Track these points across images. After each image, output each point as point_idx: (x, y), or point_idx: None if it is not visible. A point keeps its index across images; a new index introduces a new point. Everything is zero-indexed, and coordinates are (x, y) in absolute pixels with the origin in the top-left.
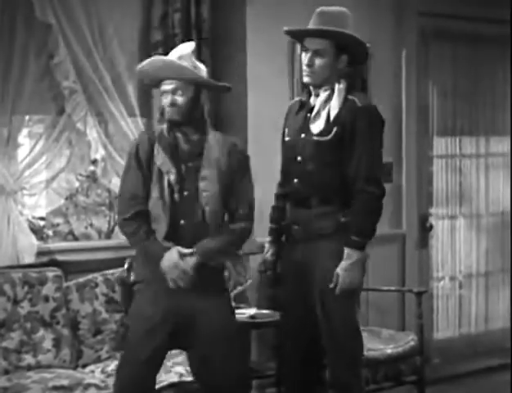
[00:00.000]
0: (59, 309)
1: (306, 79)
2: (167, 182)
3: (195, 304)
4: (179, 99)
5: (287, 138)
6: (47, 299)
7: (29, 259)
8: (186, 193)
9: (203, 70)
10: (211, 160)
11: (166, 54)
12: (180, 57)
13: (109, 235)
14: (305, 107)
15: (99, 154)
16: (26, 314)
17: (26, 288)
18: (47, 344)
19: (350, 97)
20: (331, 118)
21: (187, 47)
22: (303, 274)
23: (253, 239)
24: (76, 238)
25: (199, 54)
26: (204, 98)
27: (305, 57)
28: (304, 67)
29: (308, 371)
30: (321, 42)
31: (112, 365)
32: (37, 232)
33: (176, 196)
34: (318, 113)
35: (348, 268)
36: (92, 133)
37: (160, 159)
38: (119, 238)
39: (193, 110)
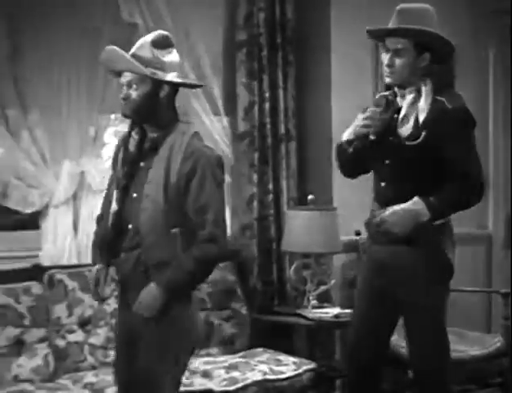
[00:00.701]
0: None
1: (387, 80)
2: (116, 183)
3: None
4: (133, 93)
5: (372, 137)
6: None
7: None
8: (134, 195)
9: (168, 61)
10: (163, 161)
11: (250, 54)
12: (139, 47)
13: None
14: (391, 107)
15: None
16: (112, 311)
17: (112, 286)
18: None
19: (439, 97)
20: (420, 121)
21: (150, 36)
22: (385, 276)
23: (338, 238)
24: None
25: (284, 53)
26: (167, 93)
27: (385, 57)
28: (385, 68)
29: (375, 376)
30: (400, 42)
31: (196, 363)
32: None
33: (126, 198)
34: (406, 116)
35: (405, 208)
36: None
37: (119, 159)
38: None
39: (150, 107)
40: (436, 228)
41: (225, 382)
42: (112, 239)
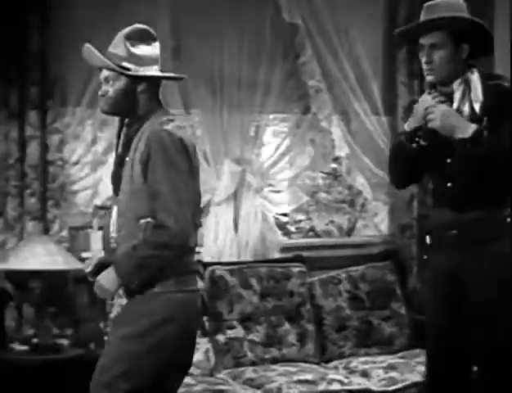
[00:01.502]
0: (303, 305)
1: (428, 78)
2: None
3: None
4: (110, 90)
5: (422, 142)
6: (291, 294)
7: (274, 254)
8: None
9: (144, 55)
10: (132, 152)
11: (411, 53)
12: (114, 43)
13: (349, 232)
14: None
15: (343, 152)
16: (272, 308)
17: (272, 283)
18: (292, 338)
19: (491, 82)
20: (477, 110)
21: (125, 30)
22: (456, 284)
23: None
24: (317, 235)
25: None
26: (146, 87)
27: (422, 56)
28: (424, 66)
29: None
30: (434, 35)
31: (354, 362)
32: (281, 228)
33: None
34: (458, 110)
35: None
36: (336, 132)
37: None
38: (360, 235)
39: (127, 102)
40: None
41: (384, 382)
42: None
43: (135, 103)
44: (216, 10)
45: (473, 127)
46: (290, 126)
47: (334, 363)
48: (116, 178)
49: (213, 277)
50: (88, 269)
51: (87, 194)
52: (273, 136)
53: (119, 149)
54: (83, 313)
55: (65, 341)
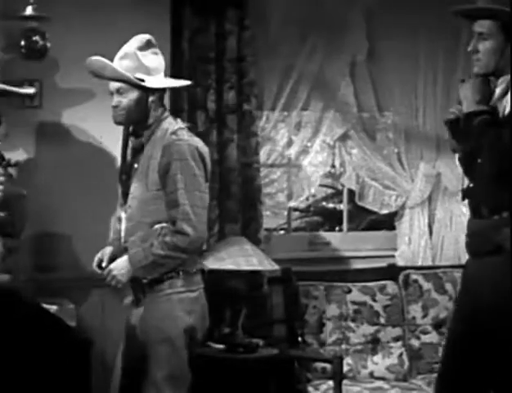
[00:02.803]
0: None
1: (474, 69)
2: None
3: None
4: (123, 100)
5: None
6: None
7: None
8: (131, 195)
9: (153, 65)
10: (146, 159)
11: None
12: (124, 56)
13: None
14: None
15: None
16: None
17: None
18: None
19: None
20: (505, 114)
21: (133, 44)
22: (471, 295)
23: None
24: None
25: None
26: (156, 96)
27: (471, 44)
28: (472, 56)
29: None
30: (484, 25)
31: None
32: None
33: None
34: (494, 107)
35: None
36: None
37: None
38: None
39: (140, 111)
40: None
41: None
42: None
43: (146, 112)
44: (400, 9)
45: None
46: None
47: None
48: (125, 186)
49: (408, 281)
50: (104, 264)
51: (281, 196)
52: None
53: (128, 157)
54: (277, 314)
55: (259, 341)
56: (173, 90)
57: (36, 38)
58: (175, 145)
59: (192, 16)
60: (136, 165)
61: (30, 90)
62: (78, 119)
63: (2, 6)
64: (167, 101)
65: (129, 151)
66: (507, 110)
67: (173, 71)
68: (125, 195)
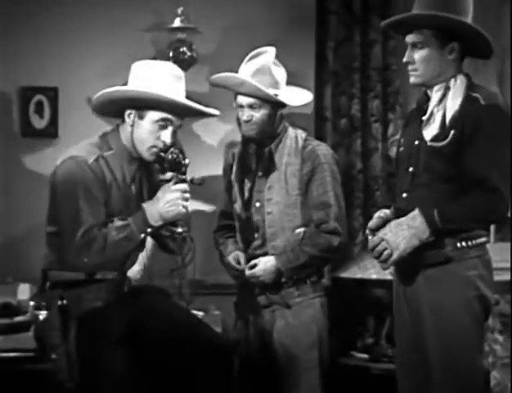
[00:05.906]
0: None
1: (411, 79)
2: (238, 193)
3: None
4: (256, 115)
5: (401, 149)
6: None
7: None
8: (257, 205)
9: (280, 79)
10: (281, 166)
11: None
12: (257, 71)
13: None
14: (420, 111)
15: None
16: None
17: None
18: None
19: (473, 94)
20: (447, 120)
21: (267, 59)
22: (411, 309)
23: None
24: None
25: None
26: (282, 111)
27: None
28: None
29: None
30: (416, 33)
31: None
32: None
33: (249, 206)
34: (432, 115)
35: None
36: None
37: (234, 171)
38: None
39: (271, 125)
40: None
41: None
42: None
43: (274, 125)
44: None
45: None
46: None
47: None
48: (250, 190)
49: None
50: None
51: None
52: None
53: (253, 165)
54: None
55: None
56: (317, 99)
57: (183, 49)
58: (317, 150)
59: (337, 25)
60: (260, 173)
61: (216, 112)
62: None
63: (151, 18)
64: (311, 109)
65: (254, 160)
66: (448, 114)
67: (317, 80)
68: (247, 202)
